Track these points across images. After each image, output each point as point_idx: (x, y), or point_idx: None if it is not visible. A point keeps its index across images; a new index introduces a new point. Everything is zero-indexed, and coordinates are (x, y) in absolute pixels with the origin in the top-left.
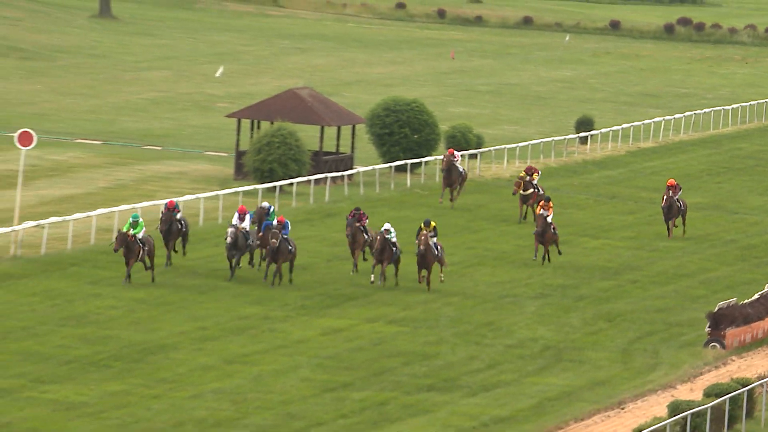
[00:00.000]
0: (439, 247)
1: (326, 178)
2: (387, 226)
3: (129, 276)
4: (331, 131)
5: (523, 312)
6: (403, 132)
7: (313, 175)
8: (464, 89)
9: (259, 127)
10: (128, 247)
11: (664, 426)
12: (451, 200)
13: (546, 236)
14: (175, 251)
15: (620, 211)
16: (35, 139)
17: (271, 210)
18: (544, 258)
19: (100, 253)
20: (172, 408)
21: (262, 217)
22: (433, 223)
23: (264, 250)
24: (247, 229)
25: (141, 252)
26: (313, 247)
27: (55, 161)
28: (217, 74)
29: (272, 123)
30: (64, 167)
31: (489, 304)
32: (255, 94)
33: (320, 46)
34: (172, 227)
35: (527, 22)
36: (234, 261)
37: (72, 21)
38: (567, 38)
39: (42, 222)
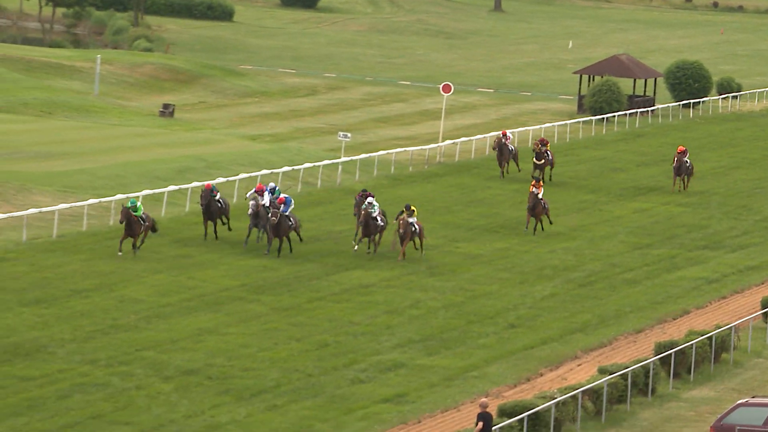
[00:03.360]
0: (417, 226)
1: (636, 112)
2: (370, 200)
3: (130, 247)
4: (639, 82)
5: None
6: (687, 82)
7: (628, 110)
8: (729, 54)
9: (593, 80)
10: (129, 222)
11: None
12: (502, 175)
13: (536, 210)
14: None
15: None
16: (452, 88)
17: (276, 189)
18: (534, 229)
19: (486, 159)
20: (536, 259)
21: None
22: (413, 207)
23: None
24: (267, 205)
25: (142, 227)
26: (627, 159)
27: (464, 102)
28: (569, 47)
29: (602, 77)
30: (470, 106)
31: (744, 194)
32: (591, 59)
33: (634, 27)
34: (211, 206)
35: None
36: (259, 230)
37: (477, 14)
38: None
39: (456, 141)
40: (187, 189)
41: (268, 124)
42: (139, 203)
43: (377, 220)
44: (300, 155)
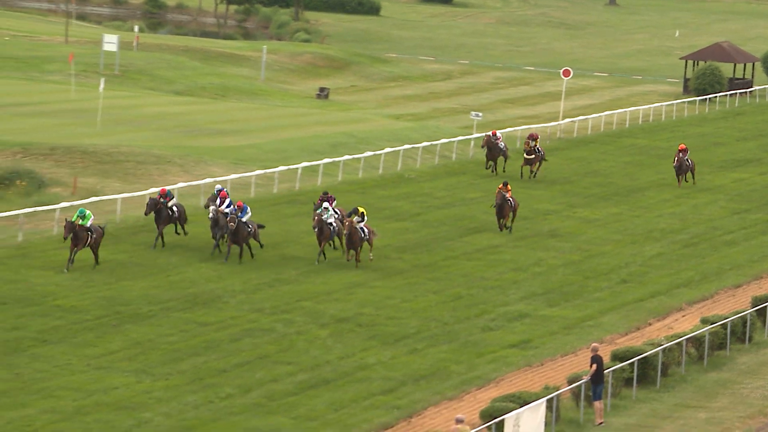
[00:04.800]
0: (366, 230)
1: (736, 93)
2: (326, 205)
3: (72, 261)
4: (739, 67)
5: None
6: None
7: (728, 91)
8: None
9: (697, 65)
10: (76, 234)
11: None
12: (494, 171)
13: (504, 210)
14: (177, 233)
15: None
16: (571, 73)
17: (224, 189)
18: (502, 228)
19: (601, 135)
20: (645, 222)
21: (214, 198)
22: (361, 209)
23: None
24: (226, 211)
25: (89, 239)
26: (727, 135)
27: (582, 85)
28: (676, 35)
29: (705, 62)
30: (587, 89)
31: None
32: (695, 46)
33: (735, 18)
34: (162, 213)
35: None
36: (218, 237)
37: (594, 7)
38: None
39: (574, 119)
40: (339, 161)
41: (410, 105)
42: (87, 212)
43: (332, 225)
44: (437, 132)
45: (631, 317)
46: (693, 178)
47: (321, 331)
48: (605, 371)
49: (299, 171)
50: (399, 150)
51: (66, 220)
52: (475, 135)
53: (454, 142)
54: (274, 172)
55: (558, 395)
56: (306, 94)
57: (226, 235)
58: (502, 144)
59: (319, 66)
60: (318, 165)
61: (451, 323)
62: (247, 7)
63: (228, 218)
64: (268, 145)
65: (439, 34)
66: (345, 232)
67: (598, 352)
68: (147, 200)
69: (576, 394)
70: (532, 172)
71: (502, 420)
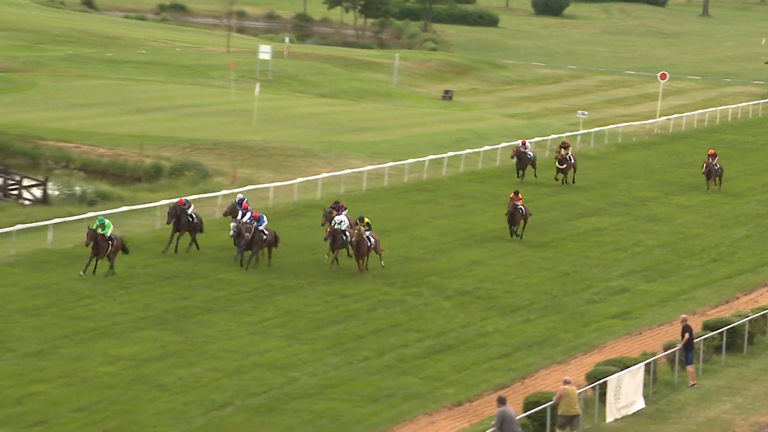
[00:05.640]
0: (372, 239)
1: None
2: (339, 218)
3: (88, 268)
4: None
5: None
6: None
7: None
8: None
9: None
10: (97, 243)
11: None
12: (522, 178)
13: (515, 217)
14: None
15: None
16: (668, 76)
17: (244, 199)
18: (513, 234)
19: (695, 131)
20: (734, 209)
21: (235, 210)
22: (366, 219)
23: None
24: (248, 223)
25: (109, 248)
26: None
27: (677, 87)
28: (762, 43)
29: None
30: (681, 90)
31: None
32: None
33: None
34: (182, 220)
35: None
36: (242, 246)
37: (688, 18)
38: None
39: (670, 117)
40: (461, 155)
41: (523, 105)
42: (107, 221)
43: (345, 234)
44: (547, 128)
45: (721, 292)
46: (720, 183)
47: (445, 302)
48: (697, 340)
49: (426, 163)
50: (514, 144)
51: (88, 227)
52: (581, 131)
53: (562, 137)
54: (404, 164)
55: (655, 360)
56: (432, 96)
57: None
58: (530, 154)
59: (444, 71)
60: (443, 158)
61: (559, 296)
62: (382, 20)
63: (244, 228)
64: (400, 141)
65: (550, 43)
66: (353, 240)
67: (688, 322)
68: (167, 210)
69: (671, 359)
70: (566, 180)
71: (605, 382)
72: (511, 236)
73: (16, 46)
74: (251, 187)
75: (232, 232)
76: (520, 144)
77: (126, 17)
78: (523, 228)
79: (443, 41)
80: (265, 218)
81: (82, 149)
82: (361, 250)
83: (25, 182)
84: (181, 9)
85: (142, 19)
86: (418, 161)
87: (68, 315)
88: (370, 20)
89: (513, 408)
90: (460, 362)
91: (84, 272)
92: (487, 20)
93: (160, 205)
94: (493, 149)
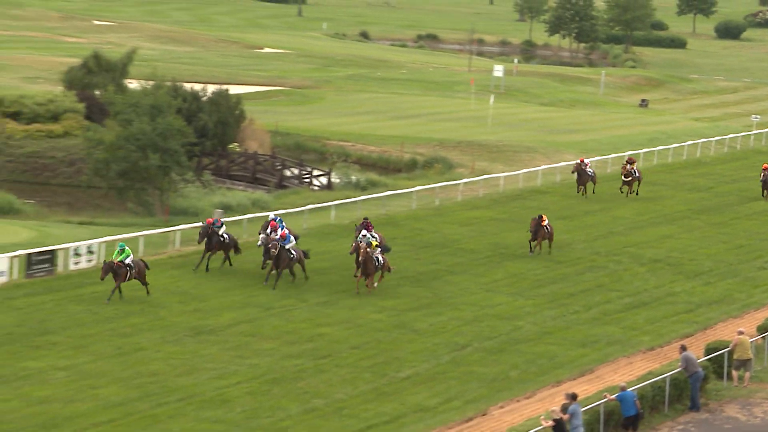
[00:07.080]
0: (381, 259)
1: None
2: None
3: (115, 293)
4: None
5: None
6: None
7: None
8: None
9: None
10: (115, 271)
11: None
12: (584, 194)
13: (538, 234)
14: (225, 260)
15: None
16: None
17: (278, 219)
18: (533, 249)
19: None
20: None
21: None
22: (374, 243)
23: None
24: (276, 241)
25: (129, 274)
26: None
27: None
28: None
29: None
30: None
31: None
32: None
33: None
34: (213, 240)
35: None
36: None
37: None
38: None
39: None
40: (654, 151)
41: (707, 111)
42: (127, 248)
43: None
44: (726, 129)
45: None
46: None
47: (640, 268)
48: None
49: (625, 158)
50: (698, 143)
51: (104, 261)
52: (755, 131)
53: (738, 136)
54: (607, 159)
55: None
56: (632, 104)
57: (269, 262)
58: (590, 171)
59: (642, 84)
60: (639, 153)
61: (735, 264)
62: (592, 44)
63: (271, 245)
64: (604, 140)
65: (729, 61)
66: (360, 259)
67: None
68: (200, 230)
69: None
70: (631, 191)
71: None
72: (531, 252)
73: (310, 69)
74: (486, 177)
75: (260, 243)
76: (580, 161)
77: (392, 45)
78: (550, 245)
79: (641, 60)
80: (292, 238)
81: (357, 147)
82: (368, 268)
83: (315, 173)
84: (434, 38)
85: (403, 46)
86: (619, 156)
87: (348, 274)
88: (582, 44)
89: (695, 353)
90: (653, 316)
91: (108, 300)
92: (678, 43)
93: (416, 191)
94: (680, 146)
